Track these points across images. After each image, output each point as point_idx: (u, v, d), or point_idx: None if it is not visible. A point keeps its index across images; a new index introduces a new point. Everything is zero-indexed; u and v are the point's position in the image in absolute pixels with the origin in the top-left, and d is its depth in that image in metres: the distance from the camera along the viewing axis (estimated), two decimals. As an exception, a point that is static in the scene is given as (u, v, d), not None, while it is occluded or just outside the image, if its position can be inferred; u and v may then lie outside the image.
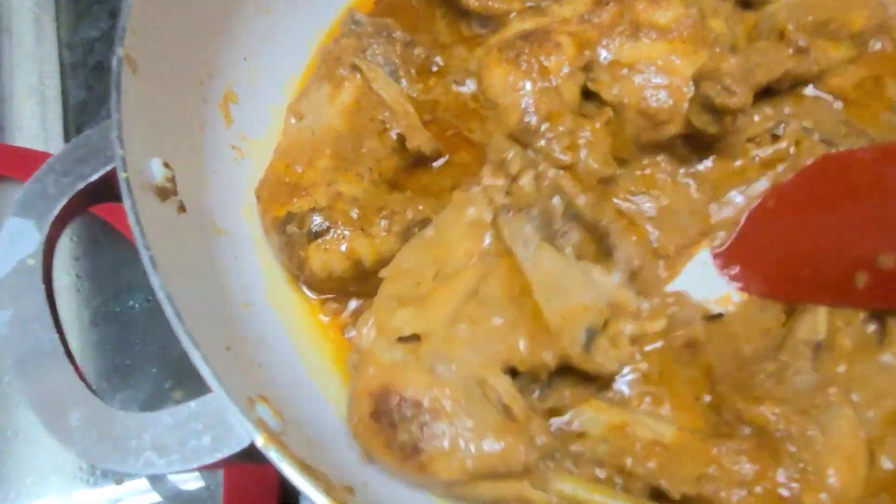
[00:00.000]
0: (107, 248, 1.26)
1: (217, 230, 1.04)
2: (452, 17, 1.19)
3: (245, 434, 0.74)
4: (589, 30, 1.05)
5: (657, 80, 1.02)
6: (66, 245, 1.26)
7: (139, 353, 1.21)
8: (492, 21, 1.15)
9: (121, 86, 0.85)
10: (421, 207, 1.01)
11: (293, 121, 1.07)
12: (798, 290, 0.99)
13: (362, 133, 1.05)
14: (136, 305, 1.25)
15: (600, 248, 0.96)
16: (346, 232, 0.98)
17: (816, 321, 0.94)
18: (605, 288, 0.91)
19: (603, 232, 0.95)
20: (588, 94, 1.08)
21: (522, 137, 1.05)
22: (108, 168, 0.88)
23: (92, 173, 0.88)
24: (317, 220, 0.98)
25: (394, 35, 1.12)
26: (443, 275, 0.93)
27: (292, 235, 0.99)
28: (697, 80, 1.00)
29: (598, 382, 0.93)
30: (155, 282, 0.78)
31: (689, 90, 1.00)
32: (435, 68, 1.14)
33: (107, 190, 0.89)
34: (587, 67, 1.05)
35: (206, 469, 0.78)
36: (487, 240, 0.94)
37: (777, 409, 0.87)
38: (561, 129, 1.04)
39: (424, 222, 1.00)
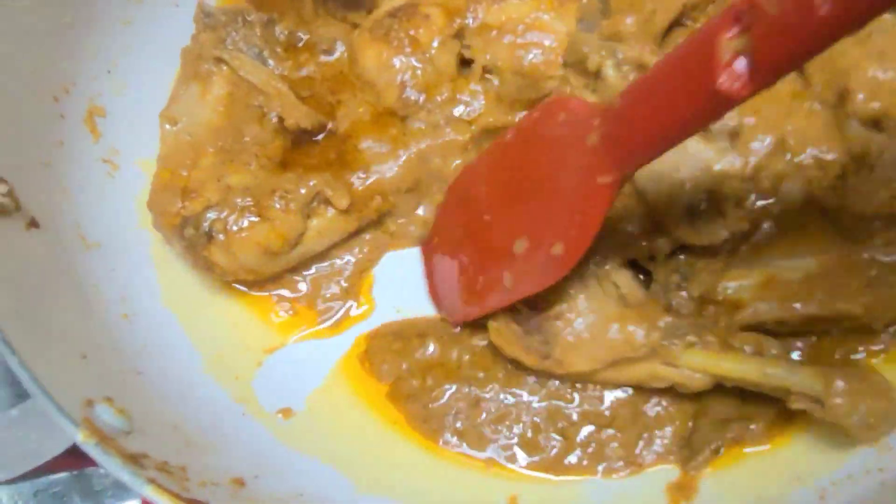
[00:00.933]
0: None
1: (87, 244, 0.99)
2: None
3: (69, 434, 0.70)
4: None
5: (528, 38, 0.99)
6: None
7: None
8: (361, 2, 1.11)
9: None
10: (313, 182, 0.98)
11: (168, 127, 1.02)
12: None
13: (241, 122, 1.02)
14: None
15: None
16: (244, 222, 0.95)
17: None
18: (703, 159, 0.86)
19: None
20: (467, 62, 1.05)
21: (404, 112, 1.03)
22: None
23: None
24: (211, 217, 0.95)
25: (249, 18, 1.08)
26: None
27: (191, 238, 0.95)
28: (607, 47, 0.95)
29: (726, 249, 0.89)
30: (-28, 289, 0.74)
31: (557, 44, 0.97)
32: (301, 43, 1.10)
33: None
34: (459, 35, 1.02)
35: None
36: None
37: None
38: (439, 98, 1.02)
39: (320, 196, 0.98)
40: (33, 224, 0.91)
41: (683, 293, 0.88)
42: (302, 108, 1.03)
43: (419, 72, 1.02)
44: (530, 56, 0.99)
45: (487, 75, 1.03)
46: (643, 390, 0.92)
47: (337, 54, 1.08)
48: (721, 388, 0.87)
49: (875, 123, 0.89)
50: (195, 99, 1.03)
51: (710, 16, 1.01)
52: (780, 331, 0.89)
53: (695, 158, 0.85)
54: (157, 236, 1.03)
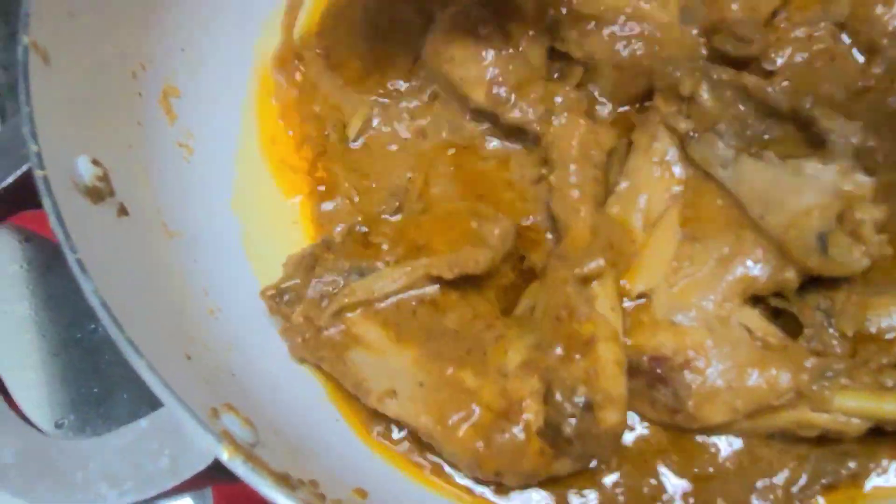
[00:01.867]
0: (60, 272, 1.13)
1: (169, 233, 0.94)
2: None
3: (208, 449, 0.63)
4: None
5: (628, 29, 0.91)
6: (16, 273, 1.14)
7: (107, 378, 1.08)
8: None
9: (29, 77, 0.73)
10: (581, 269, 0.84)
11: (395, 403, 0.83)
12: None
13: (432, 329, 0.85)
14: (99, 329, 1.11)
15: (810, 141, 0.82)
16: (582, 364, 0.77)
17: None
18: (827, 180, 0.77)
19: (808, 119, 0.81)
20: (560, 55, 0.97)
21: (493, 110, 0.94)
22: (24, 169, 0.76)
23: (4, 177, 0.76)
24: (569, 404, 0.76)
25: (312, 255, 0.90)
26: (649, 223, 0.86)
27: (579, 430, 0.77)
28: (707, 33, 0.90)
29: (866, 278, 0.81)
30: (86, 286, 0.68)
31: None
32: (365, 230, 0.93)
33: (27, 194, 0.77)
34: (552, 27, 0.94)
35: (172, 494, 0.67)
36: (680, 171, 0.86)
37: None
38: (533, 96, 0.93)
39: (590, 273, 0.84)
40: (123, 211, 0.85)
41: (833, 331, 0.80)
42: (466, 251, 0.87)
43: (511, 66, 0.93)
44: (631, 49, 0.92)
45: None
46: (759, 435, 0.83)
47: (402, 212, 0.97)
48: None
49: None
50: (372, 362, 0.84)
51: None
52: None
53: (818, 182, 0.77)
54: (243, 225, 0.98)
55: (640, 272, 0.84)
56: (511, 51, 0.93)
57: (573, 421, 0.76)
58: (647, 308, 0.82)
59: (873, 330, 0.80)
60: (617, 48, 0.92)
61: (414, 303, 0.86)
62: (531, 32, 0.94)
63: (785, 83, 0.84)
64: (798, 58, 0.89)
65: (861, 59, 0.89)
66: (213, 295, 0.93)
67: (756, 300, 0.83)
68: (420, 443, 0.85)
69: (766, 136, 0.84)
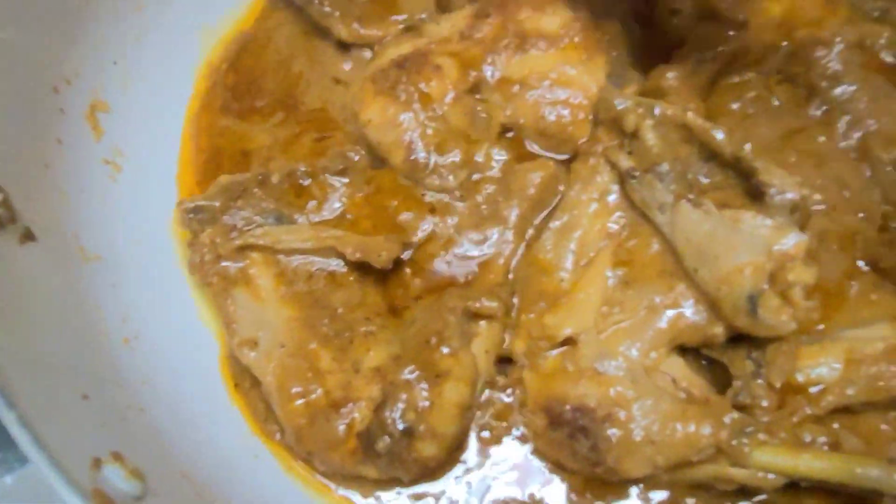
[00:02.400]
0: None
1: (86, 257, 0.90)
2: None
3: (78, 508, 0.60)
4: (471, 47, 0.92)
5: (553, 94, 0.90)
6: None
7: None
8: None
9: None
10: (453, 305, 0.84)
11: (253, 355, 0.85)
12: None
13: (319, 298, 0.87)
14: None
15: (749, 190, 0.80)
16: (426, 393, 0.79)
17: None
18: (761, 236, 0.76)
19: (748, 169, 0.79)
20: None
21: (413, 176, 0.92)
22: None
23: None
24: (393, 414, 0.79)
25: (244, 185, 0.91)
26: (581, 262, 0.84)
27: (390, 449, 0.80)
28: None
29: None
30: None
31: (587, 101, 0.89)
32: (308, 181, 0.93)
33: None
34: (474, 89, 0.92)
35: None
36: (618, 210, 0.85)
37: None
38: (452, 160, 0.91)
39: (467, 313, 0.84)
40: (28, 237, 0.82)
41: (761, 381, 0.78)
42: (376, 240, 0.88)
43: (429, 130, 0.91)
44: (556, 114, 0.90)
45: (508, 134, 0.93)
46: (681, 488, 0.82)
47: (341, 178, 0.93)
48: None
49: None
50: (251, 306, 0.87)
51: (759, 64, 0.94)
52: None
53: (752, 237, 0.76)
54: (170, 247, 0.94)
55: (568, 315, 0.82)
56: (430, 113, 0.91)
57: (387, 440, 0.79)
58: (573, 355, 0.81)
59: (801, 380, 0.79)
60: (542, 114, 0.90)
61: (314, 268, 0.88)
62: (452, 94, 0.91)
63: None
64: (734, 105, 0.90)
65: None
66: (132, 322, 0.90)
67: (686, 349, 0.82)
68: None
69: (707, 181, 0.83)
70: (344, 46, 1.02)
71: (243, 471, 0.85)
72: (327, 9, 1.00)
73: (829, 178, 0.87)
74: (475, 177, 0.90)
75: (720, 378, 0.81)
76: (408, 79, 0.91)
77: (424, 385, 0.79)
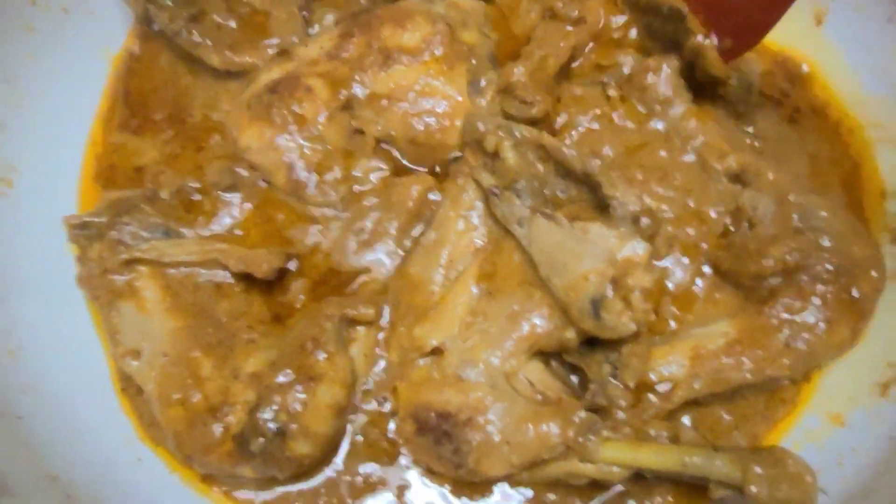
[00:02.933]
0: None
1: None
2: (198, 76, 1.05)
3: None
4: (339, 67, 0.96)
5: (420, 105, 0.94)
6: None
7: None
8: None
9: None
10: (329, 312, 0.87)
11: (135, 363, 0.88)
12: None
13: (203, 308, 0.90)
14: None
15: (598, 203, 0.86)
16: (301, 395, 0.82)
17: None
18: (605, 246, 0.82)
19: (595, 183, 0.85)
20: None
21: (296, 194, 0.95)
22: None
23: None
24: (266, 415, 0.82)
25: (132, 202, 0.93)
26: (450, 276, 0.88)
27: (264, 449, 0.83)
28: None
29: (651, 329, 0.86)
30: None
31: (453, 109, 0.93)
32: (196, 195, 0.96)
33: None
34: (347, 106, 0.96)
35: None
36: (483, 226, 0.89)
37: (784, 246, 0.87)
38: (332, 177, 0.95)
39: (344, 320, 0.88)
40: None
41: (617, 382, 0.84)
42: (259, 252, 0.91)
43: (307, 150, 0.94)
44: (424, 123, 0.94)
45: (383, 145, 0.97)
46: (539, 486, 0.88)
47: (232, 193, 0.96)
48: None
49: (737, 178, 0.93)
50: (136, 318, 0.89)
51: (600, 56, 1.02)
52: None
53: (598, 248, 0.82)
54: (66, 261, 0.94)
55: (435, 326, 0.87)
56: (306, 134, 0.94)
57: (261, 441, 0.83)
58: (439, 363, 0.85)
59: (654, 378, 0.86)
60: (411, 124, 0.94)
61: (200, 279, 0.91)
62: (325, 113, 0.94)
63: (570, 143, 0.89)
64: (582, 120, 0.96)
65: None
66: (17, 334, 0.92)
67: (548, 355, 0.86)
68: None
69: (562, 195, 0.88)
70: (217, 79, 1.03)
71: (123, 472, 0.88)
72: (197, 39, 1.00)
73: (673, 189, 0.93)
74: (356, 188, 0.94)
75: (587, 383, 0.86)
76: (281, 102, 0.94)
77: (299, 387, 0.83)
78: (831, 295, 0.86)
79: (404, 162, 0.97)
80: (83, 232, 0.90)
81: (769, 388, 0.92)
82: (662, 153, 0.96)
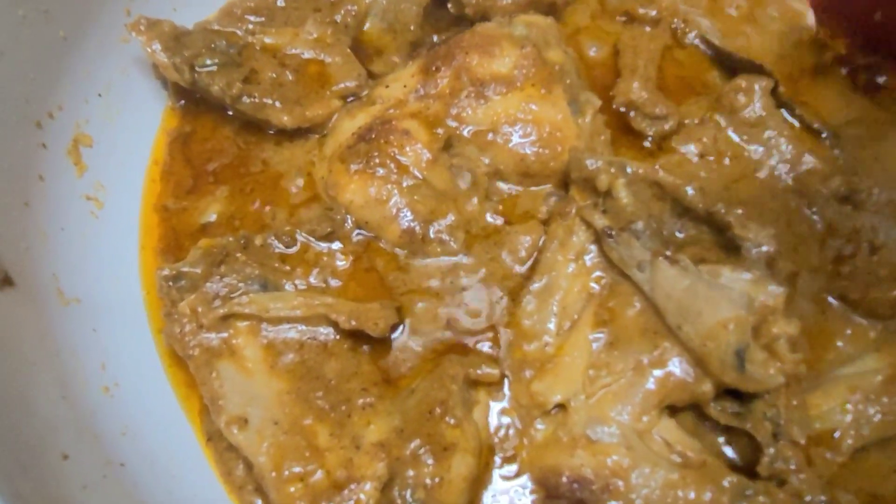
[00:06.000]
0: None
1: (65, 300, 0.84)
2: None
3: None
4: (432, 104, 0.87)
5: (526, 136, 0.86)
6: None
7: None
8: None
9: None
10: (453, 374, 0.79)
11: (244, 435, 0.76)
12: None
13: (312, 368, 0.79)
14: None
15: (725, 244, 0.79)
16: (433, 468, 0.74)
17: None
18: (741, 290, 0.74)
19: (722, 223, 0.77)
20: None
21: (411, 247, 0.86)
22: None
23: None
24: (402, 492, 0.74)
25: (224, 248, 0.84)
26: (564, 325, 0.80)
27: None
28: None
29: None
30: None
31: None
32: (294, 248, 0.86)
33: None
34: (447, 145, 0.87)
35: None
36: (597, 269, 0.81)
37: None
38: (447, 223, 0.86)
39: (468, 381, 0.80)
40: (6, 282, 0.76)
41: (783, 441, 0.75)
42: (371, 307, 0.81)
43: (417, 198, 0.85)
44: (535, 152, 0.87)
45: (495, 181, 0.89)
46: None
47: (328, 243, 0.87)
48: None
49: (845, 200, 0.87)
50: (238, 380, 0.78)
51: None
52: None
53: (734, 293, 0.74)
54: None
55: (556, 380, 0.79)
56: (412, 182, 0.85)
57: None
58: (565, 422, 0.78)
59: (819, 428, 0.78)
60: (522, 155, 0.86)
61: (305, 337, 0.81)
62: (428, 156, 0.85)
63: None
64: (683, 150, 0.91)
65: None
66: (111, 369, 0.84)
67: (706, 418, 0.79)
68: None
69: (682, 235, 0.81)
70: (281, 136, 0.94)
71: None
72: (266, 100, 0.90)
73: (778, 219, 0.87)
74: (473, 232, 0.86)
75: (742, 444, 0.79)
76: (379, 150, 0.85)
77: (431, 460, 0.74)
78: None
79: (514, 188, 0.89)
80: (176, 284, 0.80)
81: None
82: (760, 180, 0.89)
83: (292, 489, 0.73)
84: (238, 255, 0.82)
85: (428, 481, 0.74)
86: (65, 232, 0.85)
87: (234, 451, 0.78)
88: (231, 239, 0.83)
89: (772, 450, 0.75)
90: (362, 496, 0.73)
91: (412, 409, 0.78)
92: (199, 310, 0.79)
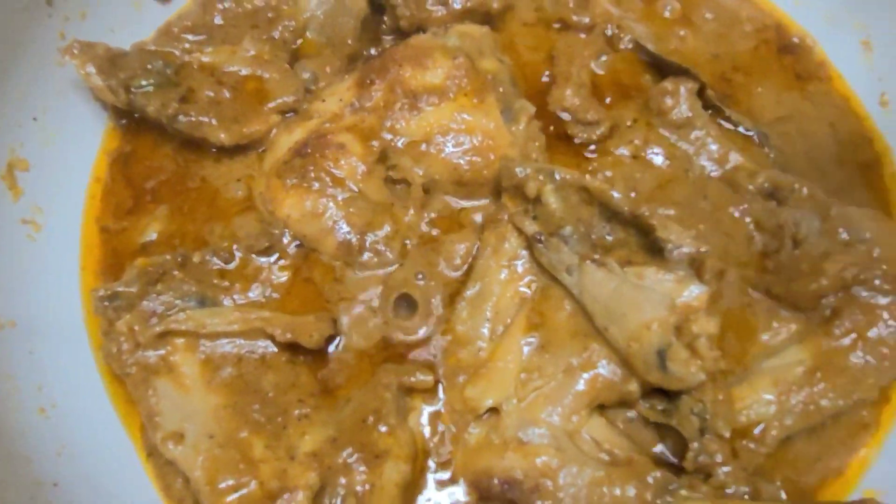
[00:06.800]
0: None
1: (0, 323, 0.81)
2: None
3: None
4: (366, 117, 0.88)
5: (458, 145, 0.87)
6: None
7: None
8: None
9: None
10: (387, 382, 0.80)
11: (179, 449, 0.77)
12: None
13: (249, 382, 0.80)
14: None
15: (650, 246, 0.80)
16: (365, 475, 0.75)
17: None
18: (664, 291, 0.75)
19: (646, 226, 0.78)
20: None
21: (348, 258, 0.87)
22: None
23: None
24: (335, 502, 0.74)
25: (163, 268, 0.84)
26: (497, 330, 0.81)
27: None
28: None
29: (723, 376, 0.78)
30: None
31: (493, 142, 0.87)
32: (233, 263, 0.87)
33: None
34: (382, 157, 0.88)
35: None
36: (529, 274, 0.82)
37: (838, 262, 0.81)
38: (383, 234, 0.86)
39: (402, 389, 0.81)
40: None
41: (710, 436, 0.76)
42: (306, 320, 0.82)
43: (352, 210, 0.86)
44: (468, 161, 0.87)
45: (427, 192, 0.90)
46: None
47: (271, 256, 0.88)
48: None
49: (771, 196, 0.89)
50: (176, 397, 0.79)
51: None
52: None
53: (656, 294, 0.76)
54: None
55: (489, 385, 0.80)
56: (347, 195, 0.86)
57: None
58: (497, 425, 0.78)
59: (744, 421, 0.79)
60: (455, 164, 0.87)
61: (243, 350, 0.81)
62: (363, 169, 0.86)
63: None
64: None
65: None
66: (47, 390, 0.85)
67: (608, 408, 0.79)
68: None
69: (611, 239, 0.82)
70: (221, 153, 0.94)
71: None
72: (202, 118, 0.90)
73: (709, 218, 0.89)
74: (408, 243, 0.87)
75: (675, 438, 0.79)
76: (314, 165, 0.85)
77: (363, 467, 0.75)
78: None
79: (452, 202, 0.90)
80: (112, 304, 0.80)
81: (847, 414, 0.84)
82: (691, 180, 0.91)
83: (227, 501, 0.73)
84: (175, 272, 0.83)
85: (359, 488, 0.74)
86: (0, 255, 0.85)
87: (172, 466, 0.78)
88: (168, 257, 0.83)
89: (696, 444, 0.76)
90: (294, 505, 0.73)
91: (347, 419, 0.78)
92: (136, 328, 0.79)
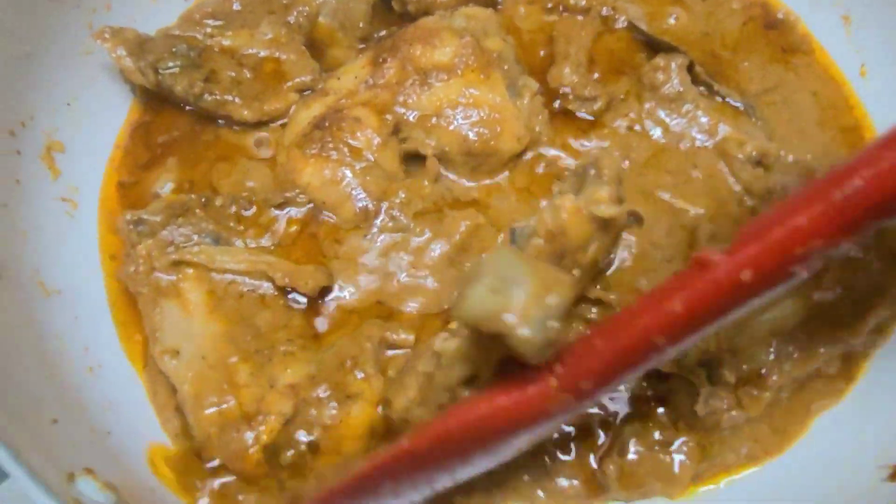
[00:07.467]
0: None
1: (47, 291, 0.88)
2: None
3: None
4: (380, 93, 0.93)
5: (467, 118, 0.93)
6: None
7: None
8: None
9: None
10: (369, 334, 0.86)
11: (174, 363, 0.84)
12: None
13: (245, 316, 0.86)
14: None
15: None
16: (335, 412, 0.80)
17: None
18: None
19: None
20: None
21: (365, 223, 0.92)
22: None
23: None
24: (303, 436, 0.80)
25: (187, 205, 0.90)
26: None
27: (294, 462, 0.81)
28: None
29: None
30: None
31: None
32: (249, 211, 0.93)
33: None
34: (396, 130, 0.93)
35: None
36: None
37: None
38: (398, 200, 0.92)
39: (384, 343, 0.86)
40: None
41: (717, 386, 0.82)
42: (305, 269, 0.88)
43: (369, 178, 0.91)
44: (476, 133, 0.93)
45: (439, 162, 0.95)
46: None
47: (288, 210, 0.93)
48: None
49: (758, 163, 0.94)
50: (179, 318, 0.86)
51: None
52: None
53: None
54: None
55: None
56: (364, 164, 0.91)
57: (291, 452, 0.80)
58: None
59: (748, 372, 0.84)
60: (464, 136, 0.92)
61: (245, 288, 0.88)
62: (378, 140, 0.92)
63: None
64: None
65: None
66: (94, 351, 0.89)
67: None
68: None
69: None
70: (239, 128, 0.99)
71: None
72: (226, 97, 0.96)
73: (702, 187, 0.94)
74: (419, 209, 0.92)
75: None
76: (332, 136, 0.91)
77: (334, 403, 0.81)
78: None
79: (461, 181, 0.95)
80: (137, 228, 0.87)
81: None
82: (684, 150, 0.96)
83: (206, 414, 0.80)
84: (197, 210, 0.90)
85: (328, 422, 0.80)
86: (42, 231, 0.90)
87: (163, 376, 0.86)
88: (193, 196, 0.90)
89: (705, 391, 0.82)
90: (264, 427, 0.79)
91: (327, 361, 0.84)
92: (154, 253, 0.86)
